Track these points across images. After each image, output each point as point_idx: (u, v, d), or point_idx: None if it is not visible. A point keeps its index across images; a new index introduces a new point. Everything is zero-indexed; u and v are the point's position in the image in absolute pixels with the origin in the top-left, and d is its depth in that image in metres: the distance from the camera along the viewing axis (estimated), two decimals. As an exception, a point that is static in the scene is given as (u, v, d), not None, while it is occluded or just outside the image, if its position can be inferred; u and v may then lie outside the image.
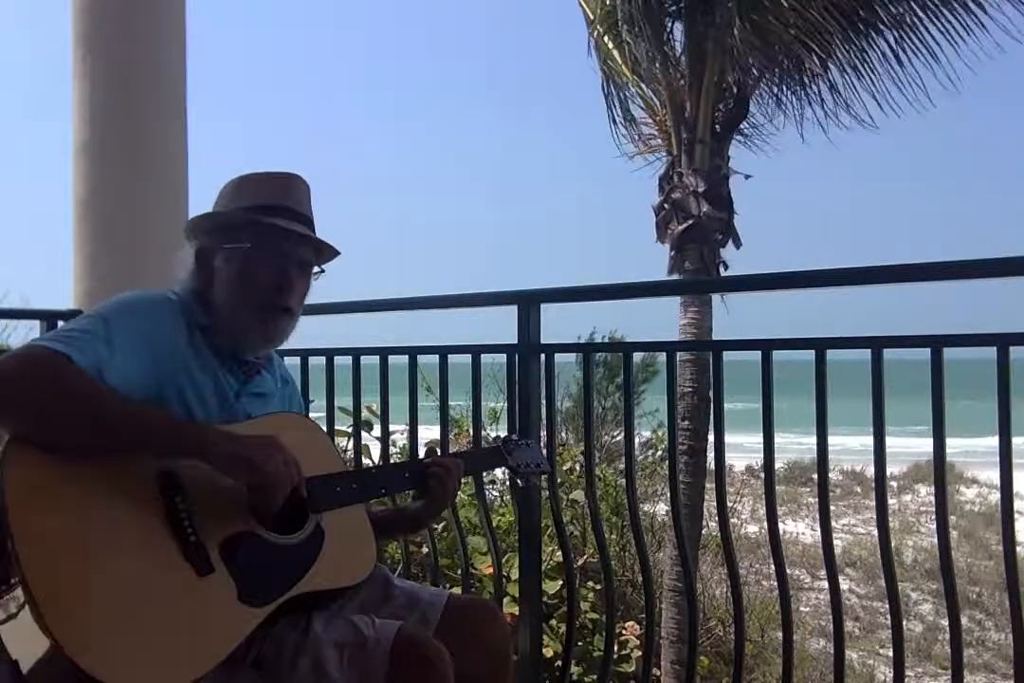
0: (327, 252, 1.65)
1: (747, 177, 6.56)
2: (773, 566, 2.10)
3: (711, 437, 2.30)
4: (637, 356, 2.74)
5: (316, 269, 1.64)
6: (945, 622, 3.82)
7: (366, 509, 1.68)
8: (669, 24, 6.62)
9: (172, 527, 1.31)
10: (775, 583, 2.13)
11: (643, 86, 6.83)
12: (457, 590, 2.90)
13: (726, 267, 6.44)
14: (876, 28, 6.10)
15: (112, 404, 1.32)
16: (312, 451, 1.59)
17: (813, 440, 1.96)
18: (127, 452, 1.33)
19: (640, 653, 3.92)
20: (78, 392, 1.29)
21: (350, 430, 3.39)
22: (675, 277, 6.38)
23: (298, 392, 1.84)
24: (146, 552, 1.28)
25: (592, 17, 6.81)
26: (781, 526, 2.15)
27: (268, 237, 1.55)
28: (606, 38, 6.70)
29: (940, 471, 1.86)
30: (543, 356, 2.36)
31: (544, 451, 2.40)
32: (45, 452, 1.26)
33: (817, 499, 2.06)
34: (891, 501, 2.23)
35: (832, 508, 2.16)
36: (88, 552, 1.24)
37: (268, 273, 1.55)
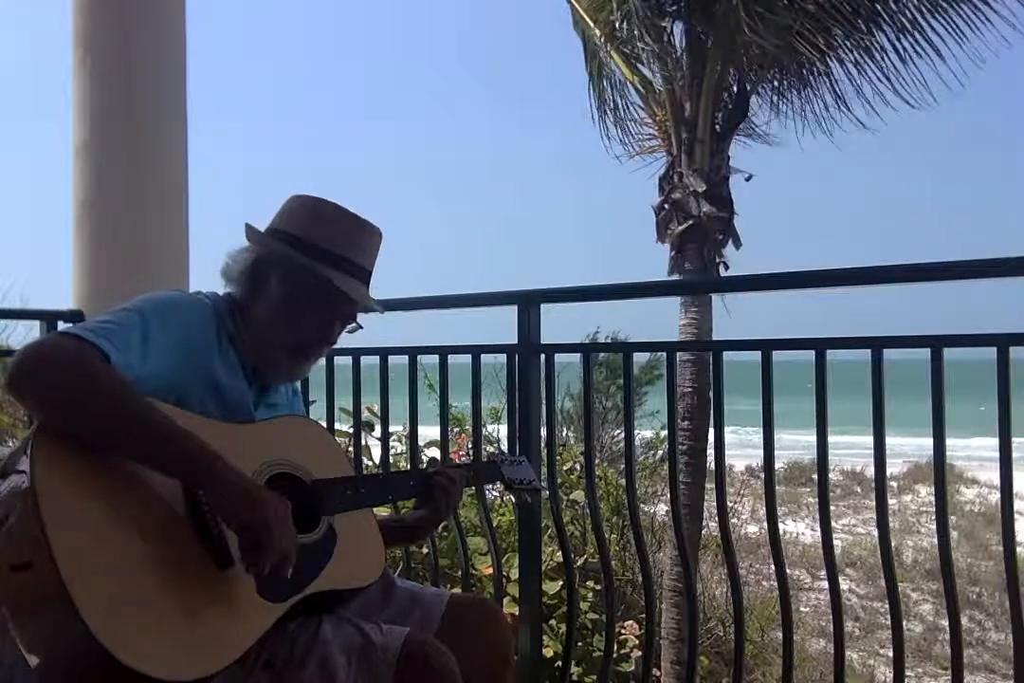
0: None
1: (748, 178, 6.54)
2: (773, 566, 2.10)
3: (711, 437, 2.30)
4: (641, 358, 2.74)
5: (352, 324, 1.65)
6: (945, 622, 3.82)
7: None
8: (669, 23, 6.63)
9: (194, 519, 1.32)
10: (775, 583, 2.13)
11: (641, 86, 6.83)
12: (457, 590, 2.90)
13: (726, 267, 6.44)
14: (878, 24, 6.10)
15: (137, 410, 1.29)
16: (322, 454, 1.61)
17: (813, 440, 1.96)
18: (137, 459, 1.31)
19: (640, 653, 3.92)
20: (106, 390, 1.28)
21: (350, 430, 3.39)
22: (675, 277, 6.38)
23: (302, 401, 1.86)
24: (169, 543, 1.29)
25: (586, 19, 6.80)
26: (781, 526, 2.15)
27: (330, 296, 1.54)
28: (603, 38, 6.70)
29: (940, 471, 1.86)
30: (543, 356, 2.36)
31: (543, 455, 2.41)
32: (73, 441, 1.27)
33: (817, 499, 2.06)
34: (891, 501, 2.24)
35: (832, 508, 2.16)
36: (114, 540, 1.25)
37: (315, 325, 1.56)
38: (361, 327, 1.67)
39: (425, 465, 1.80)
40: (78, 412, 1.27)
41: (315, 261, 1.54)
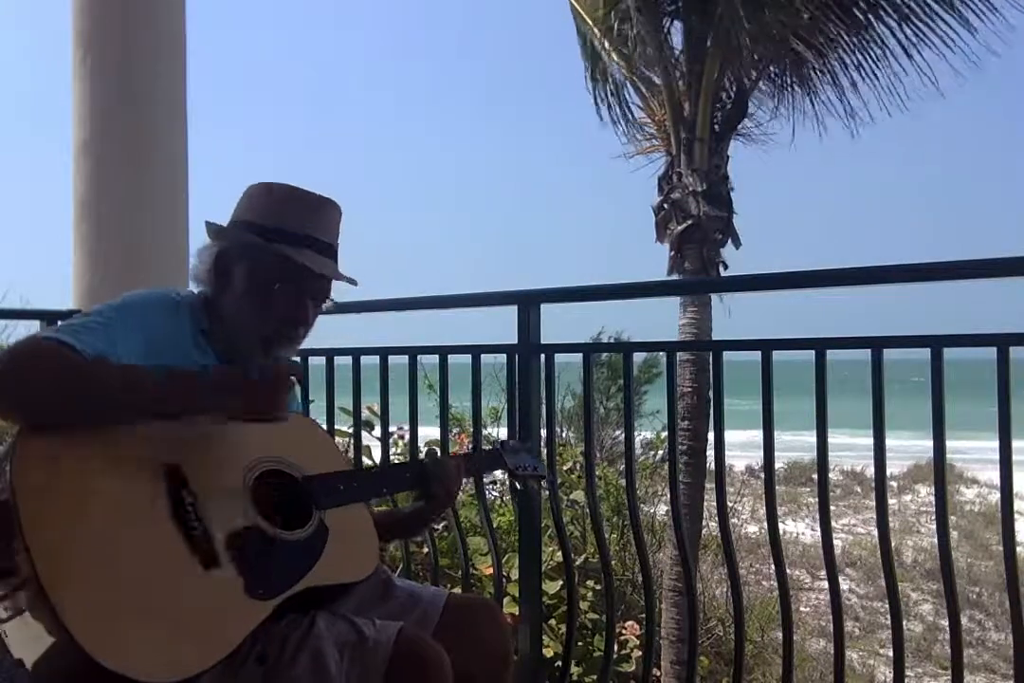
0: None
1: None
2: (773, 566, 2.10)
3: (711, 437, 2.30)
4: (639, 357, 2.74)
5: (328, 302, 1.64)
6: (945, 622, 3.82)
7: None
8: (668, 23, 6.62)
9: (178, 520, 1.32)
10: (775, 583, 2.13)
11: (641, 86, 6.83)
12: (457, 590, 2.90)
13: (726, 267, 6.44)
14: (878, 19, 6.09)
15: (107, 369, 1.33)
16: (315, 450, 1.60)
17: (813, 440, 1.96)
18: (129, 416, 1.34)
19: (640, 653, 3.92)
20: (77, 368, 1.30)
21: (350, 430, 3.39)
22: (675, 277, 6.38)
23: (297, 396, 1.85)
24: (153, 543, 1.29)
25: (587, 20, 6.80)
26: (781, 526, 2.15)
27: (295, 273, 1.53)
28: (603, 38, 6.70)
29: (940, 471, 1.86)
30: (543, 356, 2.36)
31: (543, 455, 2.41)
32: (55, 443, 1.27)
33: (817, 499, 2.06)
34: (891, 501, 2.24)
35: (832, 508, 2.16)
36: (96, 542, 1.25)
37: (285, 306, 1.55)
38: (335, 302, 1.65)
39: (424, 455, 1.79)
40: (57, 396, 1.28)
41: (276, 243, 1.54)
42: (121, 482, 1.31)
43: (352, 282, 1.63)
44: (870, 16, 6.07)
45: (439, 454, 1.78)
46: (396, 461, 4.14)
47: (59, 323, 2.67)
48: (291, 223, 1.56)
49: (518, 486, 2.11)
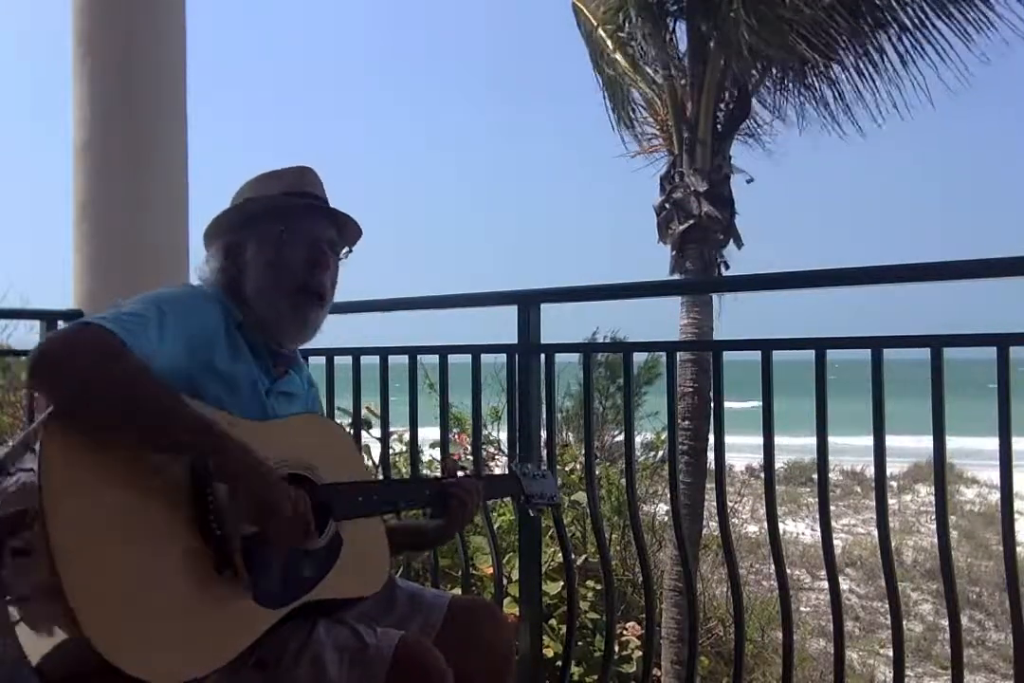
0: (349, 232, 1.68)
1: (749, 181, 6.55)
2: (773, 566, 2.10)
3: (711, 437, 2.30)
4: (639, 357, 2.73)
5: (344, 249, 1.67)
6: (945, 622, 3.82)
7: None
8: (671, 24, 6.63)
9: (199, 520, 1.31)
10: (775, 583, 2.12)
11: (644, 85, 6.84)
12: (457, 590, 2.90)
13: (727, 267, 6.44)
14: (882, 25, 6.09)
15: (155, 394, 1.32)
16: (337, 455, 1.58)
17: (813, 440, 1.96)
18: (156, 446, 1.32)
19: (640, 653, 3.92)
20: (127, 374, 1.30)
21: (350, 430, 3.39)
22: (676, 277, 6.38)
23: (319, 396, 1.84)
24: (171, 544, 1.29)
25: (591, 20, 6.82)
26: (781, 526, 2.14)
27: (294, 219, 1.58)
28: (607, 38, 6.71)
29: (940, 471, 1.86)
30: (543, 356, 2.36)
31: (543, 455, 2.41)
32: (84, 434, 1.27)
33: (817, 499, 2.06)
34: (891, 501, 2.24)
35: (832, 508, 2.16)
36: (116, 539, 1.24)
37: (300, 254, 1.57)
38: (351, 251, 1.68)
39: (442, 473, 1.76)
40: (99, 394, 1.27)
41: (267, 202, 1.59)
42: (148, 477, 1.30)
43: (355, 223, 1.65)
44: (870, 19, 6.07)
45: (443, 463, 1.76)
46: (396, 462, 4.14)
47: (58, 326, 2.70)
48: (270, 190, 1.61)
49: (531, 513, 2.06)
